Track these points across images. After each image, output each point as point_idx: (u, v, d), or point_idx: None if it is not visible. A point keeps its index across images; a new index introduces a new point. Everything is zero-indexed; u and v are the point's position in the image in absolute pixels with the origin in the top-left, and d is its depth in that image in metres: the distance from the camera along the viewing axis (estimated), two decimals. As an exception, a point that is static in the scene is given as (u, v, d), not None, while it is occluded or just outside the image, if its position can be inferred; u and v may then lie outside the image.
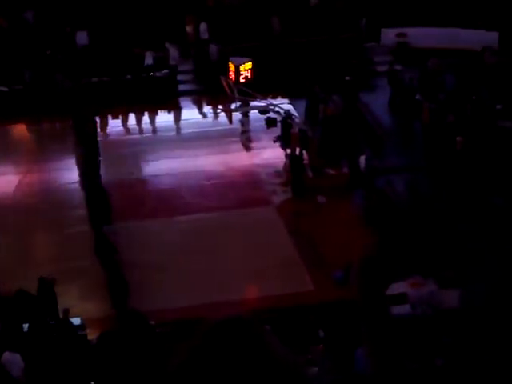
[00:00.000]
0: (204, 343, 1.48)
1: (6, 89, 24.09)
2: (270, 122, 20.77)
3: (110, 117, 24.02)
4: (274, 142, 20.19)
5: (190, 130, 23.29)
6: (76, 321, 15.10)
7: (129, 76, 24.32)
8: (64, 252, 17.42)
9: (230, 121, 23.18)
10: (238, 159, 21.59)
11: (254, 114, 22.32)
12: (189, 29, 25.63)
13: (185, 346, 1.54)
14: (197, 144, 22.08)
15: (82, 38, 24.74)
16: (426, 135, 21.04)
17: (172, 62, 24.75)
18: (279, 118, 20.90)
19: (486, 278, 15.78)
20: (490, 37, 24.00)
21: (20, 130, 24.45)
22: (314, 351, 12.05)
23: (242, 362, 1.24)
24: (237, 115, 23.36)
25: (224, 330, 1.45)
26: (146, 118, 24.42)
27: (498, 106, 21.06)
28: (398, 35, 25.07)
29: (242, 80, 22.22)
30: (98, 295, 16.36)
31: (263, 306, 15.16)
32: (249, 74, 22.22)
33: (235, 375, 1.22)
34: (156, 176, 20.98)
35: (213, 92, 23.70)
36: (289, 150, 20.10)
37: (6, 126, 23.67)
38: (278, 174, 20.41)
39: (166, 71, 24.47)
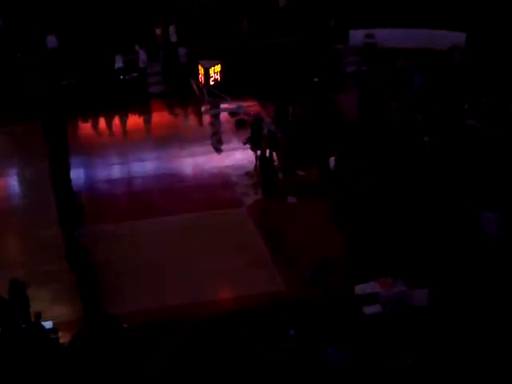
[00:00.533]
0: (183, 344, 1.88)
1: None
2: (240, 124, 21.46)
3: (80, 120, 23.88)
4: (244, 143, 20.20)
5: (160, 132, 23.28)
6: (48, 324, 13.88)
7: (99, 79, 24.12)
8: (35, 255, 16.76)
9: (200, 123, 23.29)
10: (208, 161, 21.09)
11: (223, 115, 22.64)
12: (158, 31, 25.56)
13: (164, 347, 1.93)
14: (167, 146, 21.97)
15: (51, 41, 24.60)
16: (394, 135, 20.72)
17: (141, 65, 24.74)
18: (249, 120, 21.18)
19: (450, 276, 15.53)
20: (457, 37, 24.01)
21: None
22: (285, 350, 11.59)
23: (218, 361, 1.79)
24: (206, 117, 23.25)
25: (201, 331, 1.84)
26: (116, 121, 24.05)
27: (466, 106, 20.94)
28: (366, 36, 25.24)
29: (211, 82, 22.65)
30: (70, 298, 15.34)
31: (235, 307, 14.46)
32: (218, 77, 22.68)
33: (213, 372, 1.76)
34: (127, 178, 20.80)
35: (182, 94, 23.97)
36: (259, 152, 19.91)
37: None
38: (248, 175, 20.14)
39: (135, 74, 24.26)
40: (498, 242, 14.46)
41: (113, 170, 21.32)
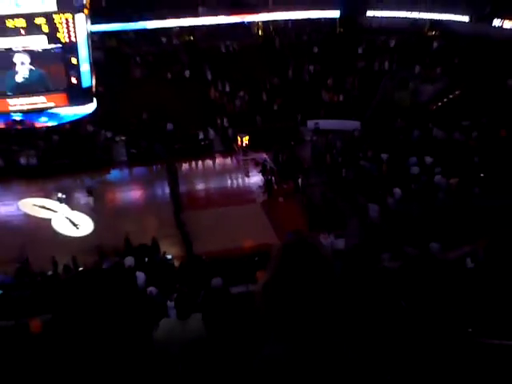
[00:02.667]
0: (284, 260, 1.92)
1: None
2: (258, 164, 28.26)
3: (185, 163, 30.71)
4: (258, 172, 27.77)
5: (219, 169, 30.98)
6: (169, 256, 19.71)
7: (193, 144, 30.81)
8: (162, 226, 23.45)
9: (239, 163, 29.95)
10: (241, 180, 28.99)
11: (250, 160, 29.18)
12: (219, 121, 32.32)
13: (266, 268, 1.97)
14: (223, 175, 29.93)
15: (169, 126, 31.36)
16: (330, 166, 26.32)
17: (211, 137, 31.79)
18: (261, 161, 28.41)
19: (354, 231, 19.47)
20: (355, 124, 30.22)
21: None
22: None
23: (314, 273, 1.86)
24: (241, 160, 30.01)
25: (296, 248, 1.98)
26: (200, 164, 31.04)
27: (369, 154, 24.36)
28: (315, 123, 31.58)
29: (244, 145, 29.94)
30: (178, 246, 22.00)
31: (248, 251, 18.89)
32: (247, 142, 29.99)
33: (309, 283, 1.83)
34: (207, 190, 28.16)
35: (230, 150, 30.99)
36: (265, 176, 26.93)
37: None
38: (260, 187, 26.91)
39: (207, 141, 31.53)
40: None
41: (199, 186, 28.71)
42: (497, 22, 28.51)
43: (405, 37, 33.15)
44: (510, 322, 5.61)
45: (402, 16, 33.25)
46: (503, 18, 28.20)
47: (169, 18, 34.71)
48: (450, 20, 31.64)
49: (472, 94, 25.79)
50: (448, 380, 4.41)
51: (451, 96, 27.54)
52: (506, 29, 27.96)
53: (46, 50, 17.48)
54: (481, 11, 29.54)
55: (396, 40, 33.25)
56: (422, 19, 33.04)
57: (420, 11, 32.94)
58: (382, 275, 9.15)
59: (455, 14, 31.37)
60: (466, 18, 30.51)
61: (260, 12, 35.47)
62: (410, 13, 33.10)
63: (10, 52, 16.94)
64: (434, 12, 32.28)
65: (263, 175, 27.00)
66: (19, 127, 21.81)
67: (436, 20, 32.55)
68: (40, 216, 24.33)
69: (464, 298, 6.45)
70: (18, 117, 20.45)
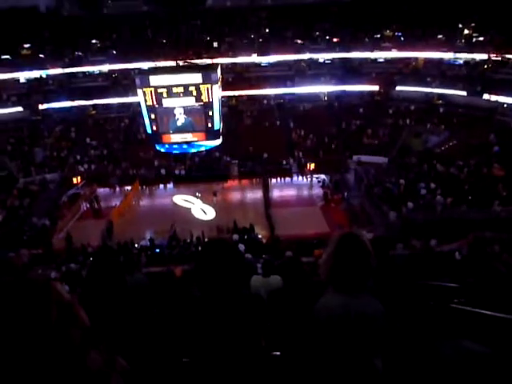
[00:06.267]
0: (340, 244, 1.88)
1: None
2: (319, 182, 27.50)
3: (274, 178, 29.25)
4: (319, 187, 26.99)
5: (294, 183, 29.21)
6: (258, 235, 19.32)
7: (276, 167, 29.45)
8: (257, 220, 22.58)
9: (307, 181, 28.96)
10: (308, 192, 27.89)
11: (314, 179, 28.32)
12: (296, 153, 31.29)
13: (325, 248, 1.90)
14: (297, 188, 28.41)
15: (265, 155, 30.66)
16: (366, 186, 25.12)
17: (290, 163, 30.87)
18: (321, 180, 27.33)
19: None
20: (384, 159, 28.53)
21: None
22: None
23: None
24: (309, 179, 28.87)
25: (347, 236, 1.89)
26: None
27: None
28: (358, 158, 29.65)
29: (311, 169, 29.17)
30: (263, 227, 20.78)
31: (310, 237, 18.30)
32: (313, 167, 29.17)
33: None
34: (276, 200, 25.49)
35: (302, 172, 29.56)
36: (323, 190, 26.44)
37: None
38: (319, 197, 25.97)
39: (288, 166, 30.37)
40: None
41: (281, 193, 27.50)
42: (486, 96, 28.07)
43: (420, 104, 32.05)
44: (484, 296, 5.58)
45: (418, 90, 32.45)
46: (490, 93, 27.94)
47: (268, 88, 35.11)
48: (451, 93, 30.73)
49: (465, 143, 25.45)
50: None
51: (450, 144, 26.90)
52: (492, 101, 27.84)
53: (194, 106, 18.38)
54: (474, 88, 29.07)
55: (414, 106, 32.03)
56: (432, 93, 31.75)
57: (431, 88, 32.05)
58: (397, 259, 8.79)
59: (456, 89, 30.53)
60: (464, 93, 29.81)
61: (327, 85, 34.98)
62: (424, 88, 32.41)
63: (174, 107, 17.39)
64: (440, 88, 31.29)
65: (322, 189, 26.53)
66: (176, 152, 22.71)
67: (442, 93, 31.54)
68: (184, 206, 25.00)
69: (452, 280, 6.14)
70: (175, 146, 21.90)
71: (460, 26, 30.54)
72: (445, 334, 2.12)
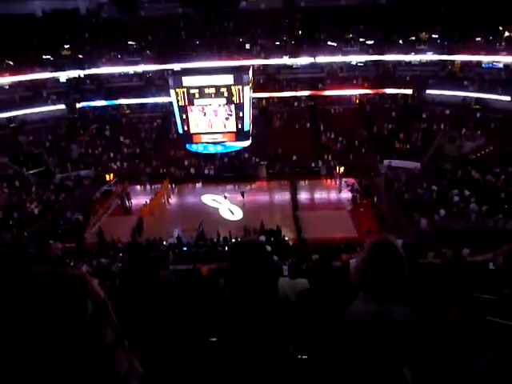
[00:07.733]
0: (374, 251, 1.82)
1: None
2: (348, 186, 26.88)
3: (302, 181, 28.58)
4: (348, 191, 26.40)
5: (323, 186, 28.34)
6: (286, 237, 18.66)
7: (305, 170, 29.34)
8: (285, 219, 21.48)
9: (336, 184, 28.23)
10: (337, 195, 27.19)
11: (344, 182, 27.51)
12: (325, 156, 30.31)
13: (359, 254, 1.90)
14: (325, 191, 27.94)
15: (294, 157, 30.38)
16: (396, 191, 24.04)
17: (319, 166, 30.15)
18: (351, 184, 26.52)
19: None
20: (416, 165, 27.69)
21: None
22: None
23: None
24: (338, 182, 27.98)
25: (382, 244, 1.83)
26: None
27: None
28: (389, 162, 28.79)
29: (340, 172, 28.36)
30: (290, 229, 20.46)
31: (337, 241, 18.18)
32: (343, 171, 28.09)
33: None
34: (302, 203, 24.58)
35: (331, 175, 29.10)
36: (352, 194, 25.75)
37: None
38: (348, 200, 25.42)
39: (317, 168, 29.93)
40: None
41: (309, 195, 27.40)
42: (526, 101, 25.41)
43: (456, 108, 30.77)
44: None
45: (455, 94, 31.67)
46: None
47: (300, 91, 34.86)
48: (491, 98, 29.47)
49: (502, 150, 24.36)
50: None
51: (487, 150, 25.69)
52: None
53: (225, 107, 18.86)
54: (515, 93, 25.69)
55: (450, 110, 30.95)
56: (470, 97, 30.71)
57: (468, 92, 31.22)
58: (428, 268, 8.36)
59: (494, 94, 29.71)
60: (507, 98, 28.39)
61: (359, 88, 34.13)
62: (461, 92, 31.54)
63: (205, 108, 18.25)
64: (479, 93, 30.41)
65: (351, 193, 25.82)
66: (206, 152, 23.17)
67: (480, 98, 30.33)
68: (212, 205, 24.85)
69: (485, 291, 5.90)
70: (205, 146, 22.02)
71: (500, 28, 29.40)
72: (478, 347, 2.02)
